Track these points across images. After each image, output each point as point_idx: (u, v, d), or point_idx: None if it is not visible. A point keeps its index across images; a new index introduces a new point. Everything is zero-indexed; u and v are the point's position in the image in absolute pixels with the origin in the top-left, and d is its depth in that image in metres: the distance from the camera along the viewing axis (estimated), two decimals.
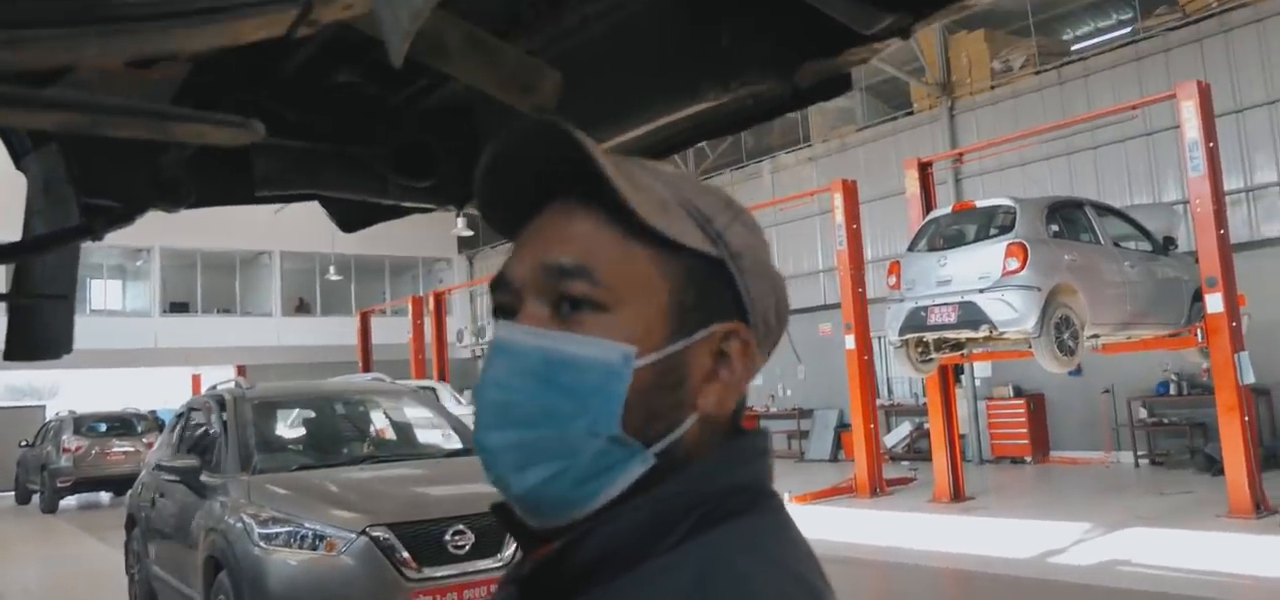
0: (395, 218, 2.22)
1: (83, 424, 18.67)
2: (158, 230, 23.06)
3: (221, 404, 6.54)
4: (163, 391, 26.15)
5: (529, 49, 1.44)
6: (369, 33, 0.85)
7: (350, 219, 2.30)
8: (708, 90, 1.44)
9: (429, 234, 26.51)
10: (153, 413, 20.92)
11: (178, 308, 26.57)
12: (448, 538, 5.10)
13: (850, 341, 13.02)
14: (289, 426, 7.27)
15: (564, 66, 1.40)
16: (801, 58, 1.38)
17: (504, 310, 0.72)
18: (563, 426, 0.66)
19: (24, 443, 20.45)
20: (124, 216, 1.83)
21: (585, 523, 0.67)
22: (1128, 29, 16.43)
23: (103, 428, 18.82)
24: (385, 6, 0.72)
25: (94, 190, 1.84)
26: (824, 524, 11.09)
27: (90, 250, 24.12)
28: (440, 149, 1.86)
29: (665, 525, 0.66)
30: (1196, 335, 10.61)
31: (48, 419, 20.97)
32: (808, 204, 18.04)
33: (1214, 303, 9.73)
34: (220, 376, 12.17)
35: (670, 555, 0.65)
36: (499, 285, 0.72)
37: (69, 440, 17.99)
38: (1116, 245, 10.50)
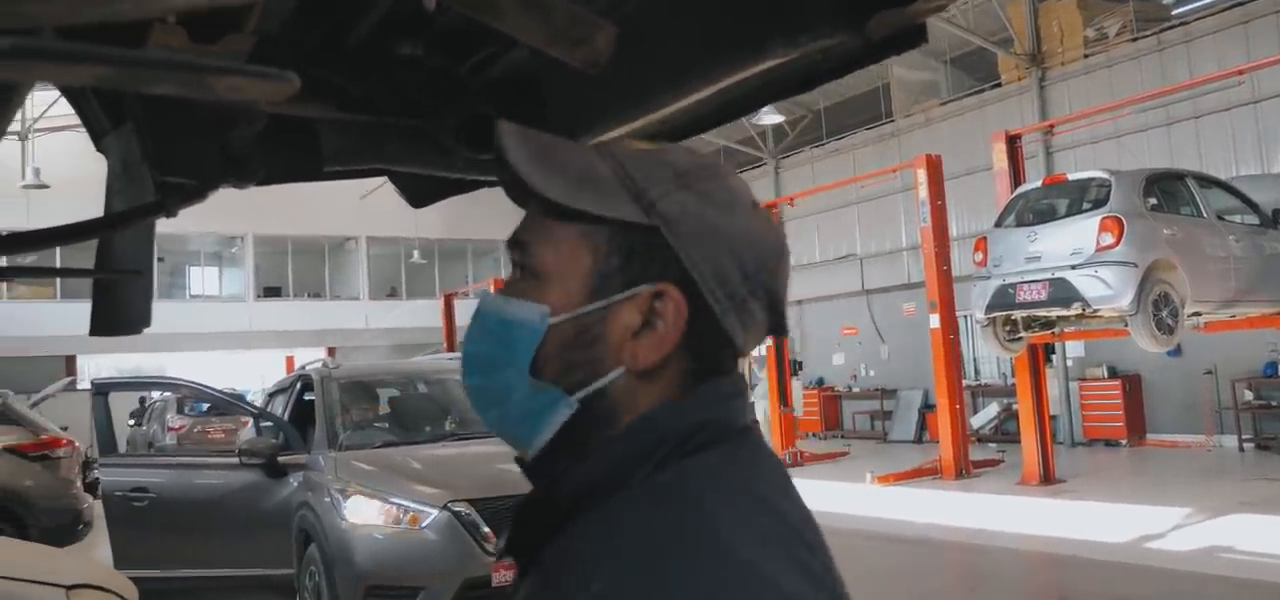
0: (464, 191, 2.20)
1: (185, 404, 19.40)
2: (250, 218, 23.85)
3: (308, 384, 6.70)
4: (259, 372, 27.03)
5: (583, 3, 1.40)
6: None
7: (420, 194, 2.31)
8: (775, 47, 1.37)
9: (510, 217, 26.70)
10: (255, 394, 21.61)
11: (271, 292, 27.49)
12: None
13: (935, 321, 12.74)
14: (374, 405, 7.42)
15: (620, 26, 1.36)
16: (873, 8, 1.31)
17: None
18: (499, 372, 0.79)
19: (133, 422, 21.39)
20: (196, 193, 1.86)
21: (553, 462, 0.78)
22: None
23: (204, 408, 19.52)
24: None
25: (168, 168, 1.87)
26: (907, 505, 10.90)
27: (189, 238, 25.09)
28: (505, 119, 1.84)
29: (632, 463, 0.74)
30: None
31: (154, 399, 21.88)
32: (890, 181, 17.67)
33: None
34: (312, 357, 12.50)
35: (631, 490, 0.73)
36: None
37: (173, 420, 18.72)
38: (1221, 219, 10.01)
